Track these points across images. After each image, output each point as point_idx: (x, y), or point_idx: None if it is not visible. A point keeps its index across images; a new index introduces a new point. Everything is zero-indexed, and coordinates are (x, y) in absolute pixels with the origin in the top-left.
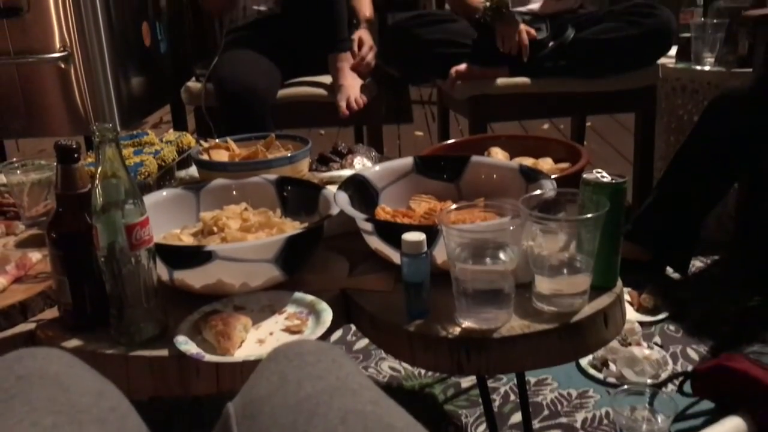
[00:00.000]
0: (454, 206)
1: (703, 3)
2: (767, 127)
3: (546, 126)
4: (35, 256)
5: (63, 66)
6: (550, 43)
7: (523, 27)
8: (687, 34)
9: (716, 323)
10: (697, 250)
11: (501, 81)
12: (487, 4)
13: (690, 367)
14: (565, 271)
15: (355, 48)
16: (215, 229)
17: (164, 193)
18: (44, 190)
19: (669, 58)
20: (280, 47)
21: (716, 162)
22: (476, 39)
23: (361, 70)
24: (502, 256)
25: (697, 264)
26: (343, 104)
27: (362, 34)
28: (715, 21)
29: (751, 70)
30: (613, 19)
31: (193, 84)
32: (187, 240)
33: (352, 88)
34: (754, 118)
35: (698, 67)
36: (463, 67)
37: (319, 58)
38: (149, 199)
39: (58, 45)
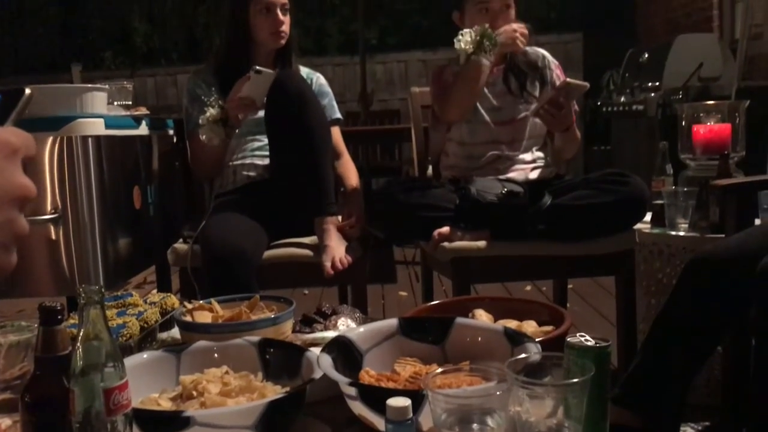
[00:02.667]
0: (439, 370)
1: (673, 172)
2: (743, 290)
3: (529, 288)
4: (5, 422)
5: (52, 228)
6: (529, 209)
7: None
8: (660, 201)
9: None
10: (688, 415)
11: (483, 244)
12: (470, 47)
13: None
14: None
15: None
16: (195, 393)
17: (145, 356)
18: (22, 353)
19: (645, 224)
20: (267, 210)
21: (695, 326)
22: (458, 203)
23: (347, 234)
24: (489, 422)
25: (688, 430)
26: (328, 264)
27: (350, 205)
28: (685, 189)
29: (723, 235)
30: (588, 187)
31: (180, 246)
32: (166, 405)
33: (337, 248)
34: (730, 282)
35: (673, 233)
36: (445, 229)
37: (306, 221)
38: (129, 361)
39: (49, 207)
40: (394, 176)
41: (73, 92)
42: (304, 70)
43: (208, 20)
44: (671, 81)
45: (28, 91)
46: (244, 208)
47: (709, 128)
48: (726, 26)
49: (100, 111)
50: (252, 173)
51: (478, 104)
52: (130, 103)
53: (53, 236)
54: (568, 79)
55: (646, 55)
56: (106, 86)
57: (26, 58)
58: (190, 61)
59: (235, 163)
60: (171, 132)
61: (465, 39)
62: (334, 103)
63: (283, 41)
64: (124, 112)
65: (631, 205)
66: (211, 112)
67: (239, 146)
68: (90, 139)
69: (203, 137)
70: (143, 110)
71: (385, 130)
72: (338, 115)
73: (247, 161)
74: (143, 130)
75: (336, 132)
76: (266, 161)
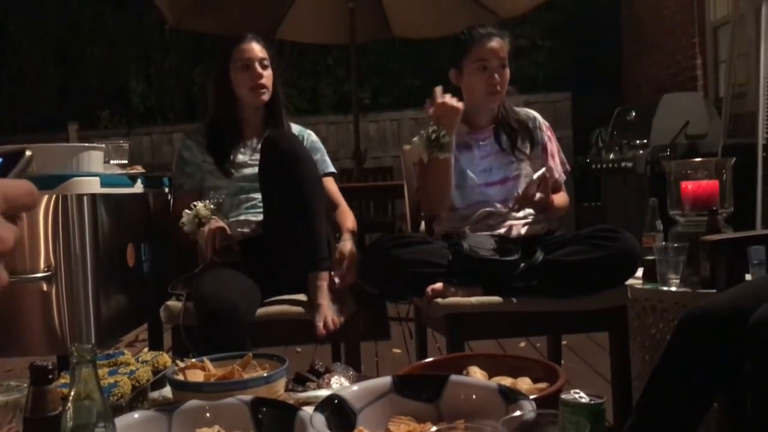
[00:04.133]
0: (434, 429)
1: (663, 228)
2: (737, 347)
3: (523, 344)
4: None
5: (45, 286)
6: (521, 265)
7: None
8: (651, 257)
9: None
10: None
11: (476, 300)
12: (424, 152)
13: None
14: None
15: (337, 263)
16: None
17: (136, 416)
18: (10, 414)
19: (637, 279)
20: (260, 266)
21: (690, 383)
22: (450, 259)
23: (341, 285)
24: None
25: None
26: (320, 324)
27: (344, 246)
28: (675, 245)
29: (714, 291)
30: (579, 243)
31: (173, 303)
32: None
33: (329, 307)
34: (724, 338)
35: (665, 288)
36: (438, 285)
37: (298, 277)
38: (120, 421)
39: (42, 266)
40: (387, 232)
41: (71, 151)
42: (296, 128)
43: (204, 80)
44: (659, 138)
45: (28, 152)
46: (238, 264)
47: (697, 185)
48: (710, 85)
49: (96, 169)
50: (246, 229)
51: (467, 169)
52: (126, 161)
53: (46, 294)
54: (534, 176)
55: (634, 114)
56: (103, 145)
57: (24, 118)
58: (186, 120)
59: (229, 219)
60: (166, 190)
61: (417, 144)
62: (327, 158)
63: (264, 97)
64: (120, 171)
65: (623, 260)
66: (199, 210)
67: (233, 204)
68: (85, 198)
69: (182, 225)
70: (139, 168)
71: (378, 186)
72: (332, 168)
73: (242, 218)
74: (138, 188)
75: (331, 183)
76: (260, 217)
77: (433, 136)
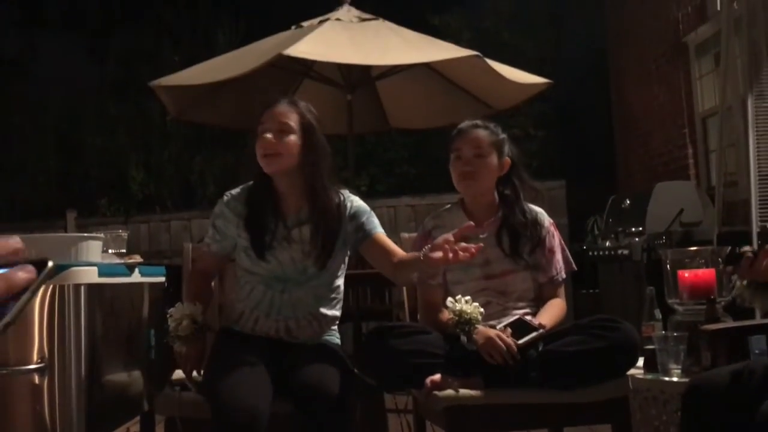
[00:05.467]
0: None
1: (662, 316)
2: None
3: None
4: None
5: (37, 378)
6: (521, 356)
7: (494, 333)
8: (651, 347)
9: None
10: None
11: (475, 392)
12: (456, 318)
13: None
14: None
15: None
16: None
17: None
18: None
19: (638, 369)
20: (273, 364)
21: None
22: (449, 350)
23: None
24: None
25: None
26: None
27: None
28: (675, 334)
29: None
30: (579, 333)
31: (170, 392)
32: None
33: None
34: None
35: (666, 378)
36: (437, 377)
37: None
38: None
39: (35, 357)
40: (384, 320)
41: (71, 241)
42: (354, 200)
43: (203, 168)
44: (654, 226)
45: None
46: (252, 350)
47: (694, 273)
48: (702, 174)
49: (95, 259)
50: (271, 332)
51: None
52: (125, 250)
53: (37, 387)
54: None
55: (628, 202)
56: (102, 235)
57: (23, 205)
58: (183, 207)
59: (256, 312)
60: (163, 279)
61: (454, 309)
62: (374, 218)
63: (273, 166)
64: (117, 260)
65: (623, 351)
66: (185, 316)
67: (263, 299)
68: (82, 288)
69: (168, 315)
70: (137, 258)
71: (376, 273)
72: (380, 229)
73: (271, 317)
74: (136, 277)
75: (385, 238)
76: (290, 321)
77: (465, 317)
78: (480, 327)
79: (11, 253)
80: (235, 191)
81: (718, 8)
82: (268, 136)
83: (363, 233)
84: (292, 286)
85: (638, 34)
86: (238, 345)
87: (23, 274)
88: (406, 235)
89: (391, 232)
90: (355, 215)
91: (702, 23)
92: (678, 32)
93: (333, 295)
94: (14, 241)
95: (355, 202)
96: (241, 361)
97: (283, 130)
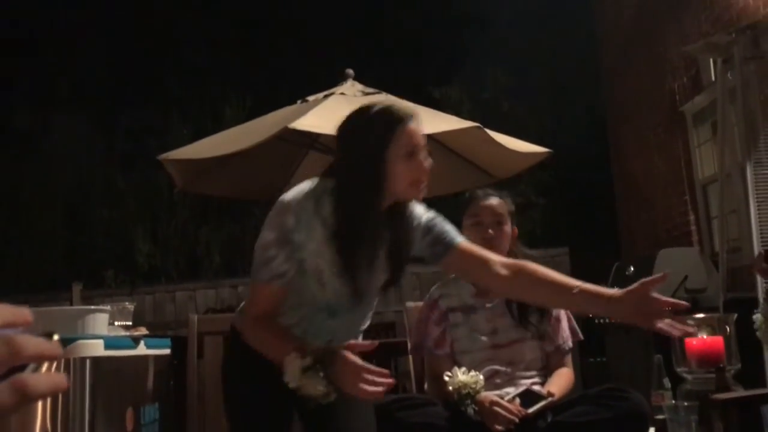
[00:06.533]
0: None
1: (671, 385)
2: None
3: None
4: None
5: None
6: (529, 427)
7: (494, 398)
8: (662, 416)
9: None
10: None
11: None
12: (456, 391)
13: None
14: None
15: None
16: None
17: None
18: None
19: None
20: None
21: None
22: (456, 421)
23: None
24: None
25: None
26: None
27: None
28: (686, 404)
29: None
30: (588, 403)
31: None
32: None
33: None
34: None
35: None
36: None
37: None
38: None
39: (38, 430)
40: (391, 391)
41: (78, 314)
42: (418, 210)
43: (209, 239)
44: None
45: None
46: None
47: (702, 341)
48: (705, 240)
49: (101, 332)
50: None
51: (474, 332)
52: (130, 323)
53: None
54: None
55: (632, 269)
56: (108, 307)
57: (30, 278)
58: (189, 278)
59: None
60: (168, 351)
61: (452, 382)
62: (448, 226)
63: (422, 195)
64: (124, 332)
65: (633, 421)
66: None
67: (313, 320)
68: (88, 361)
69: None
70: (143, 330)
71: (381, 344)
72: (460, 237)
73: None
74: (141, 350)
75: (466, 245)
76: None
77: (463, 392)
78: (481, 395)
79: (23, 323)
80: (301, 198)
81: (713, 78)
82: (422, 158)
83: (442, 246)
84: (343, 310)
85: (637, 103)
86: (271, 392)
87: (35, 347)
88: (411, 304)
89: (396, 300)
90: (430, 228)
91: (698, 93)
92: (675, 102)
93: (368, 321)
94: (27, 312)
95: (426, 214)
96: (275, 420)
97: (427, 153)
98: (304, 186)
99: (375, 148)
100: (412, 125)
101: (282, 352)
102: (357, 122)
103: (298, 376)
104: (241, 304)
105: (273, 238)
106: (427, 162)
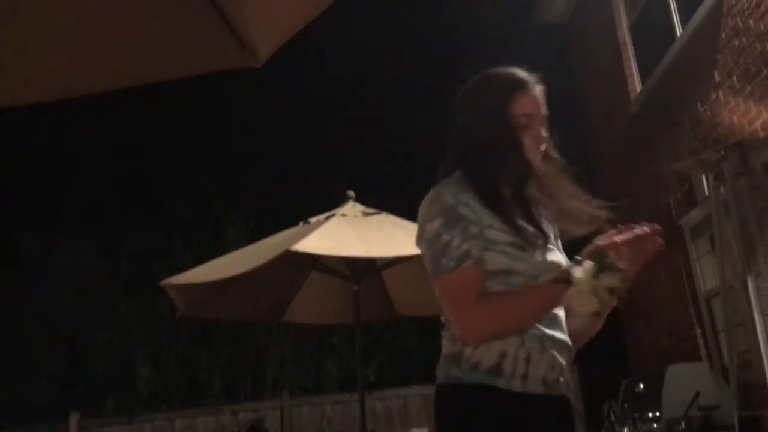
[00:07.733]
0: None
1: None
2: None
3: None
4: None
5: None
6: None
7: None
8: None
9: None
10: None
11: None
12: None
13: None
14: None
15: None
16: None
17: None
18: None
19: None
20: None
21: None
22: None
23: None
24: None
25: None
26: None
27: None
28: None
29: None
30: None
31: None
32: None
33: None
34: None
35: None
36: None
37: None
38: None
39: None
40: None
41: None
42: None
43: (211, 364)
44: (671, 410)
45: None
46: None
47: None
48: (714, 354)
49: None
50: (549, 377)
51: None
52: None
53: None
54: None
55: (642, 385)
56: None
57: (27, 407)
58: (189, 404)
59: (528, 345)
60: None
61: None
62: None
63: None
64: None
65: None
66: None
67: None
68: None
69: (572, 302)
70: None
71: None
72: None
73: (547, 353)
74: None
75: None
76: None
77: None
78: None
79: None
80: (446, 184)
81: (706, 193)
82: (541, 127)
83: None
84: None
85: (635, 218)
86: None
87: None
88: (416, 431)
89: (401, 424)
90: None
91: (693, 207)
92: (671, 216)
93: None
94: None
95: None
96: None
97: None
98: (433, 191)
99: (494, 109)
100: (533, 92)
101: (548, 290)
102: (476, 85)
103: (596, 277)
104: (445, 350)
105: (439, 225)
106: (545, 135)
